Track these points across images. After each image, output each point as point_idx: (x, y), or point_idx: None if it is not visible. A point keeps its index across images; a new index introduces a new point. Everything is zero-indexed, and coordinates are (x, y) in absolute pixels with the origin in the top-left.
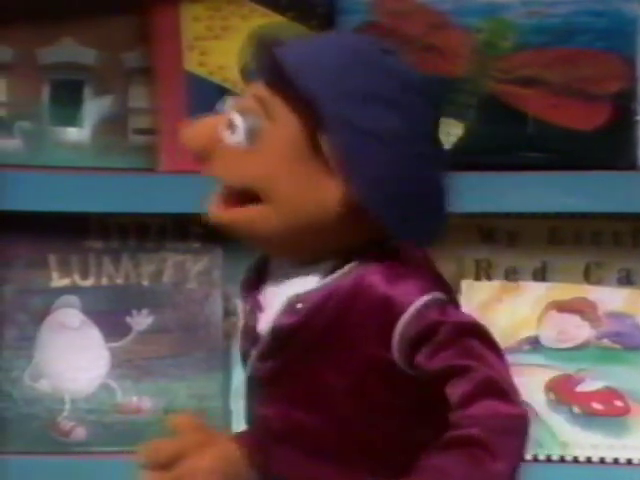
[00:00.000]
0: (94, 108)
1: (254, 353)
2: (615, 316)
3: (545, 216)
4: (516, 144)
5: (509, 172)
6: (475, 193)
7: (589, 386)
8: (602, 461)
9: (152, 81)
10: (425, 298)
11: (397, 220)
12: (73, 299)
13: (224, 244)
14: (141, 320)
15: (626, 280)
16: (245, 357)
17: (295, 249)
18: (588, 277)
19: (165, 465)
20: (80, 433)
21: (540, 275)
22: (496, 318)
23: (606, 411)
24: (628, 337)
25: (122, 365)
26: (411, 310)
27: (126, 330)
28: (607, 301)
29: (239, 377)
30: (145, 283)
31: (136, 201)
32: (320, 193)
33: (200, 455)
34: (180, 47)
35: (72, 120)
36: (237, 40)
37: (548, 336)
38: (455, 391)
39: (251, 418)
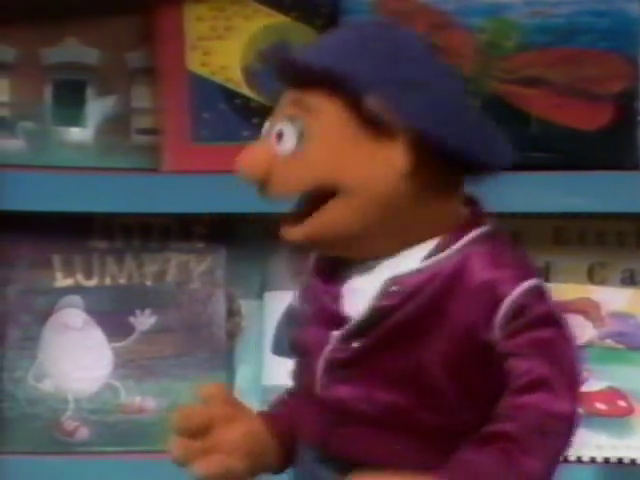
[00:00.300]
0: (97, 108)
1: (336, 334)
2: (619, 316)
3: (549, 216)
4: (519, 144)
5: (512, 172)
6: (478, 193)
7: (592, 386)
8: (606, 461)
9: (155, 81)
10: (527, 283)
11: (464, 141)
12: (76, 299)
13: (227, 244)
14: (144, 320)
15: (630, 280)
16: (315, 343)
17: (385, 235)
18: (592, 277)
19: (194, 433)
20: (83, 433)
21: (544, 275)
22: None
23: (610, 411)
24: (632, 337)
25: (125, 365)
26: (514, 295)
27: (129, 330)
28: (611, 301)
29: (242, 377)
30: (148, 283)
31: (139, 201)
32: (385, 160)
33: (227, 429)
34: (183, 47)
35: (75, 120)
36: (240, 40)
37: None
38: (513, 377)
39: (318, 402)
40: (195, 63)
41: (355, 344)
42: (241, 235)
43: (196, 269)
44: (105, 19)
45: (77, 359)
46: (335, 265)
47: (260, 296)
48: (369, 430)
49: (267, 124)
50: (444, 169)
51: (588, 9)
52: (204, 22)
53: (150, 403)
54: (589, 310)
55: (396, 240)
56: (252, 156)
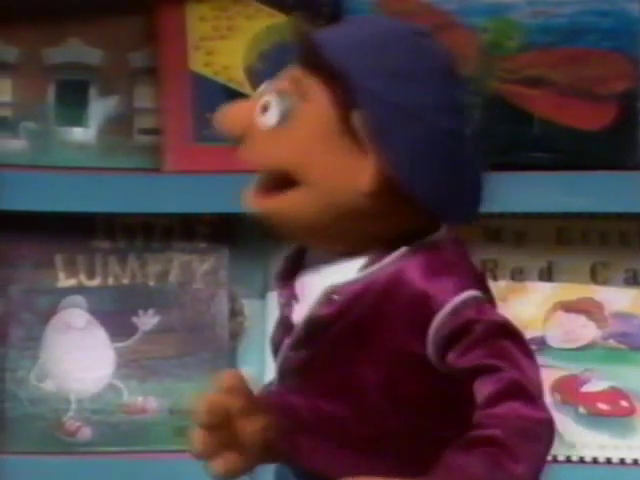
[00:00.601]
0: (99, 108)
1: (287, 342)
2: (621, 316)
3: (551, 216)
4: (522, 144)
5: (515, 172)
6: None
7: (595, 386)
8: (608, 461)
9: (158, 81)
10: (462, 296)
11: (431, 193)
12: (79, 299)
13: (230, 244)
14: (147, 320)
15: (633, 280)
16: (277, 347)
17: (333, 236)
18: (594, 277)
19: (213, 426)
20: (86, 433)
21: (546, 275)
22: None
23: (612, 411)
24: (634, 337)
25: (128, 365)
26: (448, 307)
27: (132, 330)
28: (613, 301)
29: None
30: (151, 283)
31: (142, 201)
32: (354, 172)
33: (246, 422)
34: (186, 47)
35: (77, 120)
36: (243, 40)
37: (554, 336)
38: (482, 390)
39: (278, 407)
40: (198, 63)
41: (302, 353)
42: (244, 235)
43: (199, 269)
44: (108, 19)
45: (79, 359)
46: (297, 265)
47: (263, 296)
48: (315, 440)
49: (264, 84)
50: (406, 201)
51: (590, 9)
52: (206, 22)
53: (152, 403)
54: (592, 310)
55: (345, 244)
56: (234, 113)
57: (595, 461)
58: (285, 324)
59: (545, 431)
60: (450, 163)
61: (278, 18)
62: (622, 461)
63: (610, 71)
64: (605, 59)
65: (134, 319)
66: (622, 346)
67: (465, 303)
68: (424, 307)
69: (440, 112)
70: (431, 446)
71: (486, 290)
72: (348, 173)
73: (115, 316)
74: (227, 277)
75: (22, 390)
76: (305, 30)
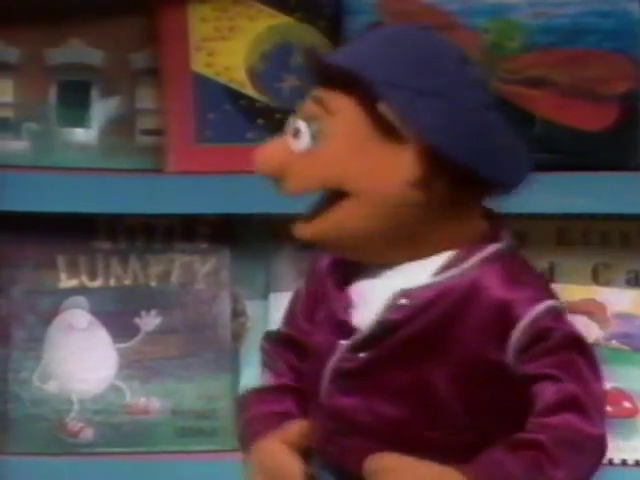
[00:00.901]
0: (101, 109)
1: (344, 344)
2: (623, 317)
3: (553, 217)
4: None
5: None
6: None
7: None
8: (610, 462)
9: (159, 82)
10: (543, 305)
11: (476, 157)
12: (81, 300)
13: (232, 245)
14: (149, 321)
15: (634, 281)
16: (323, 350)
17: (393, 242)
18: (596, 278)
19: None
20: (88, 434)
21: (548, 276)
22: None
23: (614, 412)
24: (636, 338)
25: (130, 366)
26: (530, 316)
27: (134, 331)
28: (615, 302)
29: (247, 378)
30: (153, 284)
31: (144, 202)
32: (396, 167)
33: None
34: (187, 48)
35: (79, 121)
36: (244, 41)
37: None
38: (541, 398)
39: (322, 408)
40: (199, 64)
41: (362, 355)
42: (245, 236)
43: (201, 270)
44: (109, 20)
45: (82, 360)
46: (348, 269)
47: (265, 296)
48: (369, 443)
49: (290, 120)
50: (458, 183)
51: (592, 10)
52: (208, 23)
53: (155, 404)
54: (594, 311)
55: (405, 249)
56: (268, 151)
57: None
58: (337, 327)
59: (594, 447)
60: (489, 130)
61: (279, 19)
62: (624, 462)
63: (612, 72)
64: (607, 60)
65: (136, 320)
66: (624, 347)
67: (546, 312)
68: (505, 316)
69: (460, 88)
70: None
71: (558, 298)
72: (391, 170)
73: (117, 317)
74: (229, 278)
75: (25, 391)
76: (316, 53)
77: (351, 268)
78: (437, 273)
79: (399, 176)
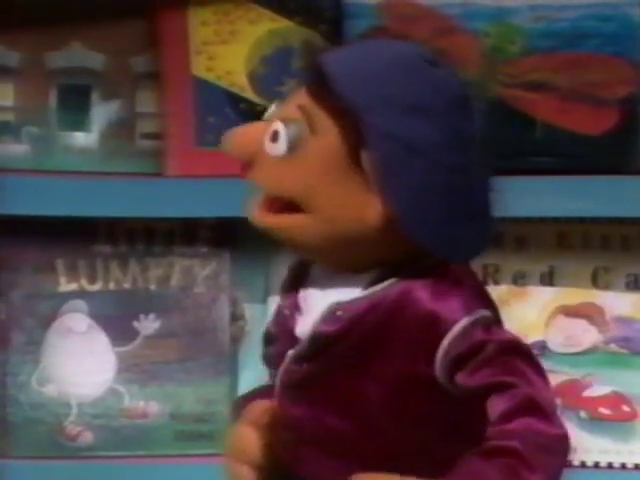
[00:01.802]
0: (102, 113)
1: (290, 354)
2: (623, 321)
3: (553, 220)
4: (524, 148)
5: (517, 176)
6: None
7: (596, 391)
8: (610, 466)
9: (160, 86)
10: (472, 316)
11: (433, 239)
12: (80, 304)
13: (231, 248)
14: (148, 324)
15: (634, 285)
16: (278, 359)
17: (335, 258)
18: (596, 282)
19: None
20: (87, 438)
21: (548, 280)
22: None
23: (613, 416)
24: (636, 342)
25: (129, 370)
26: (458, 328)
27: (133, 334)
28: (615, 306)
29: (246, 381)
30: (152, 287)
31: (143, 206)
32: (359, 207)
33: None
34: (188, 52)
35: (80, 125)
36: (245, 45)
37: (555, 341)
38: (495, 407)
39: (279, 418)
40: (200, 68)
41: (305, 366)
42: (245, 239)
43: (200, 273)
44: (110, 24)
45: (81, 364)
46: (301, 277)
47: (264, 300)
48: (317, 452)
49: (272, 108)
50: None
51: (593, 14)
52: (208, 27)
53: (154, 408)
54: (593, 315)
55: (348, 266)
56: (243, 137)
57: (596, 466)
58: (288, 336)
59: (560, 446)
60: (456, 204)
61: (280, 22)
62: (623, 466)
63: (612, 76)
64: (607, 64)
65: (135, 323)
66: (624, 351)
67: (474, 324)
68: (432, 328)
69: (450, 148)
70: (433, 463)
71: (493, 307)
72: (355, 206)
73: (116, 320)
74: (228, 281)
75: (23, 395)
76: (313, 54)
77: (302, 274)
78: (368, 286)
79: (361, 217)
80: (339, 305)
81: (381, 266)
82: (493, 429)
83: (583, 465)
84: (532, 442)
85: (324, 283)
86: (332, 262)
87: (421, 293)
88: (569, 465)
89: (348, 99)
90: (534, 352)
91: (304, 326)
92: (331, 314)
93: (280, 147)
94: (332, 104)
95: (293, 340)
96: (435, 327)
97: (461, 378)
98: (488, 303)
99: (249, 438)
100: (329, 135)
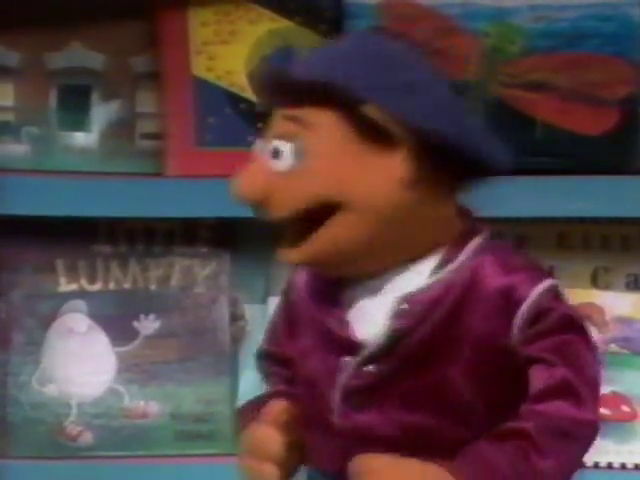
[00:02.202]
0: (102, 113)
1: (350, 361)
2: (623, 321)
3: (553, 221)
4: (524, 149)
5: (517, 176)
6: (483, 198)
7: None
8: (609, 466)
9: (160, 86)
10: (544, 284)
11: (471, 144)
12: (80, 304)
13: (232, 249)
14: (148, 325)
15: (634, 285)
16: (325, 371)
17: (390, 247)
18: (596, 282)
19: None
20: (87, 438)
21: None
22: None
23: (613, 416)
24: (636, 342)
25: (129, 370)
26: (533, 296)
27: (133, 335)
28: (615, 306)
29: (246, 382)
30: (152, 288)
31: (143, 206)
32: (385, 170)
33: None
34: (188, 52)
35: (80, 125)
36: (245, 45)
37: None
38: (534, 383)
39: (336, 429)
40: (200, 68)
41: (371, 369)
42: (245, 240)
43: (200, 274)
44: (110, 24)
45: (81, 364)
46: (333, 286)
47: (264, 300)
48: (399, 454)
49: (259, 144)
50: (443, 176)
51: (593, 14)
52: (209, 27)
53: (154, 408)
54: (593, 315)
55: (401, 254)
56: (249, 178)
57: (596, 466)
58: (338, 345)
59: (584, 433)
60: (464, 114)
61: (280, 22)
62: (623, 466)
63: (612, 76)
64: (607, 64)
65: (135, 324)
66: (624, 351)
67: (548, 292)
68: (509, 299)
69: (430, 80)
70: None
71: (555, 279)
72: (381, 175)
73: (116, 321)
74: (228, 282)
75: (24, 395)
76: (270, 72)
77: (338, 286)
78: (433, 273)
79: (390, 179)
80: (405, 297)
81: (435, 250)
82: (525, 406)
83: (583, 465)
84: (550, 426)
85: (372, 284)
86: (389, 254)
87: (490, 269)
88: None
89: (327, 79)
90: (589, 330)
91: (365, 330)
92: (398, 309)
93: (286, 160)
94: (313, 98)
95: (348, 348)
96: (511, 298)
97: (523, 344)
98: (548, 273)
99: (271, 436)
100: (324, 123)
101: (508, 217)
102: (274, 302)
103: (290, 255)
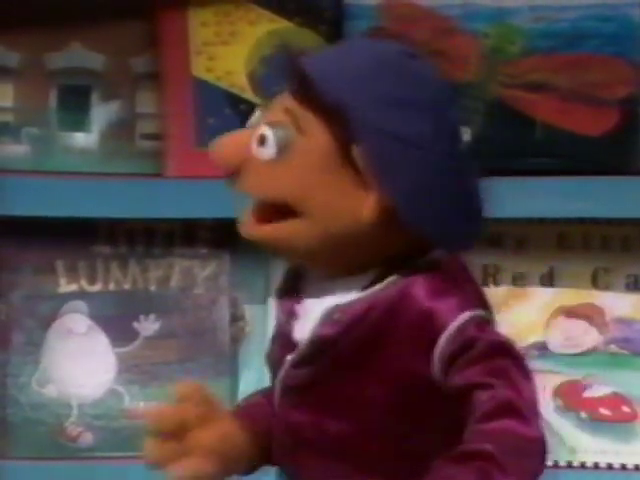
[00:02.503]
0: (102, 113)
1: (288, 360)
2: (623, 322)
3: (553, 221)
4: (524, 149)
5: (517, 177)
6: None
7: (596, 392)
8: (610, 467)
9: (160, 86)
10: (467, 314)
11: (431, 224)
12: (80, 304)
13: (231, 249)
14: (148, 325)
15: (634, 286)
16: (276, 363)
17: (332, 261)
18: (596, 282)
19: (168, 435)
20: (87, 438)
21: (548, 280)
22: (503, 324)
23: (613, 417)
24: (636, 343)
25: (129, 370)
26: (453, 326)
27: (133, 335)
28: (615, 307)
29: (246, 382)
30: (152, 288)
31: (143, 206)
32: (353, 204)
33: (202, 431)
34: (188, 52)
35: (80, 125)
36: (245, 45)
37: (555, 342)
38: (477, 406)
39: (279, 422)
40: (200, 68)
41: (304, 370)
42: (245, 240)
43: (200, 274)
44: (110, 24)
45: (81, 364)
46: (296, 282)
47: (264, 301)
48: (319, 458)
49: (256, 114)
50: (406, 231)
51: (592, 14)
52: (209, 27)
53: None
54: (593, 315)
55: (345, 268)
56: (229, 146)
57: (596, 466)
58: (285, 341)
59: (537, 449)
60: (450, 191)
61: (280, 23)
62: (623, 466)
63: (612, 76)
64: (607, 64)
65: (135, 324)
66: (624, 351)
67: (469, 322)
68: (429, 326)
69: (439, 139)
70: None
71: (487, 307)
72: (348, 204)
73: (116, 321)
74: (228, 282)
75: (24, 395)
76: (295, 56)
77: (299, 283)
78: (366, 287)
79: (356, 214)
80: (337, 308)
81: (378, 267)
82: (470, 429)
83: (583, 466)
84: (507, 445)
85: (320, 288)
86: (329, 265)
87: (418, 291)
88: (545, 468)
89: (333, 97)
90: (523, 354)
91: (302, 331)
92: (329, 317)
93: (269, 151)
94: (318, 104)
95: (290, 345)
96: (432, 325)
97: (452, 375)
98: (483, 302)
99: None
100: (317, 135)
101: (508, 218)
102: (274, 303)
103: (247, 229)
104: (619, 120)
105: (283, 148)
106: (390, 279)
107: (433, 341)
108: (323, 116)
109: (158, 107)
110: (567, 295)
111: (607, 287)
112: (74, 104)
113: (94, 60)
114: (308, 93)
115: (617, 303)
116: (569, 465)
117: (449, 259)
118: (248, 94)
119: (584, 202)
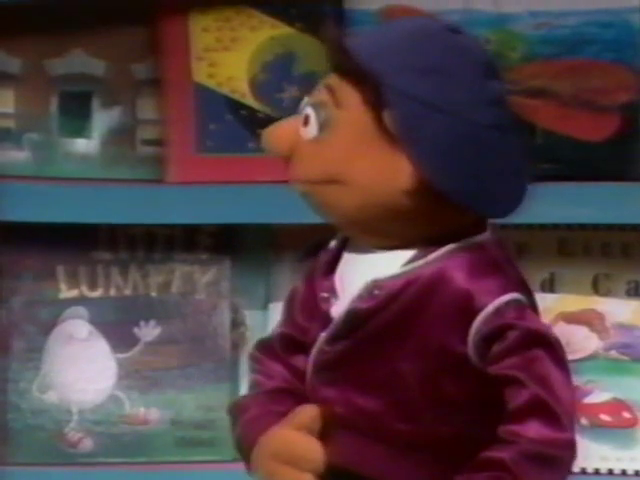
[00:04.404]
0: (103, 119)
1: (323, 336)
2: (623, 328)
3: (554, 227)
4: None
5: None
6: None
7: (597, 398)
8: (610, 472)
9: (161, 92)
10: (505, 297)
11: (463, 190)
12: (81, 310)
13: (232, 255)
14: (149, 331)
15: (635, 292)
16: (311, 342)
17: (373, 232)
18: (597, 288)
19: None
20: (88, 444)
21: (548, 286)
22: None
23: (614, 423)
24: (636, 349)
25: (130, 376)
26: (490, 308)
27: (134, 341)
28: (615, 312)
29: (246, 388)
30: (153, 294)
31: (144, 212)
32: (392, 173)
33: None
34: (189, 58)
35: (81, 131)
36: (246, 51)
37: None
38: (508, 403)
39: (310, 401)
40: (201, 74)
41: (338, 346)
42: (246, 246)
43: (201, 280)
44: (111, 30)
45: (81, 370)
46: (336, 260)
47: (265, 307)
48: (348, 435)
49: (304, 101)
50: (445, 199)
51: (593, 20)
52: (210, 33)
53: (154, 414)
54: (594, 321)
55: (386, 240)
56: (279, 132)
57: (597, 472)
58: (322, 318)
59: (561, 453)
60: (485, 158)
61: (281, 29)
62: (624, 472)
63: (613, 82)
64: (608, 70)
65: (136, 330)
66: (624, 357)
67: (507, 305)
68: (467, 306)
69: (475, 107)
70: (468, 445)
71: (528, 292)
72: (387, 173)
73: (117, 327)
74: (229, 288)
75: (24, 401)
76: (335, 36)
77: (338, 258)
78: (406, 264)
79: (394, 182)
80: (377, 282)
81: (419, 244)
82: (502, 427)
83: (584, 472)
84: (527, 452)
85: (360, 262)
86: (370, 235)
87: (458, 272)
88: (571, 474)
89: (366, 66)
90: (559, 342)
91: (340, 308)
92: (368, 292)
93: (312, 129)
94: (354, 76)
95: (326, 323)
96: (470, 306)
97: (488, 362)
98: (524, 287)
99: (315, 448)
100: (354, 106)
101: (508, 223)
102: (274, 308)
103: (298, 172)
104: (619, 126)
105: (324, 124)
106: (431, 257)
107: (470, 321)
108: (358, 87)
109: (159, 113)
110: (568, 301)
111: (608, 293)
112: (75, 110)
113: (95, 66)
114: (346, 67)
115: (618, 309)
116: (570, 471)
117: (492, 242)
118: (249, 100)
119: (585, 208)
